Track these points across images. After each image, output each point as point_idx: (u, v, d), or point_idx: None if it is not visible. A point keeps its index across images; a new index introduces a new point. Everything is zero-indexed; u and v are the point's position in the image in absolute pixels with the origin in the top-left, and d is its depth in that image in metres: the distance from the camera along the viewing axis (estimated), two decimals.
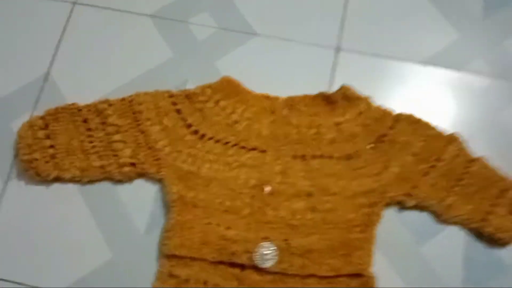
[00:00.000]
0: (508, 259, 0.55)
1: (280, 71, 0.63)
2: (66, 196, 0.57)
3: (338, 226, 0.54)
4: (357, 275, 0.52)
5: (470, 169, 0.57)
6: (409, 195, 0.55)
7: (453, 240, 0.56)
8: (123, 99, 0.59)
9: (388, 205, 0.56)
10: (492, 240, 0.55)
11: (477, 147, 0.58)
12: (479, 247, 0.56)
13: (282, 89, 0.60)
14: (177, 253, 0.53)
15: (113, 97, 0.59)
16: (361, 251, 0.53)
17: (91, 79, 0.63)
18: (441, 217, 0.56)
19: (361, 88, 0.59)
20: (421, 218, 0.56)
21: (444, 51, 0.64)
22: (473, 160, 0.57)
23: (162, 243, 0.54)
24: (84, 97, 0.60)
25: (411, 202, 0.55)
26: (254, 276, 0.53)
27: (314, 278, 0.53)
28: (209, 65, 0.63)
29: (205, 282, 0.52)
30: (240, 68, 0.63)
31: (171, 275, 0.52)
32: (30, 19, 0.66)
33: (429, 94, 0.62)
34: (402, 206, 0.56)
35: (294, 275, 0.53)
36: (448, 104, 0.62)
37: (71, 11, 0.66)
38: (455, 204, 0.56)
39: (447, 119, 0.60)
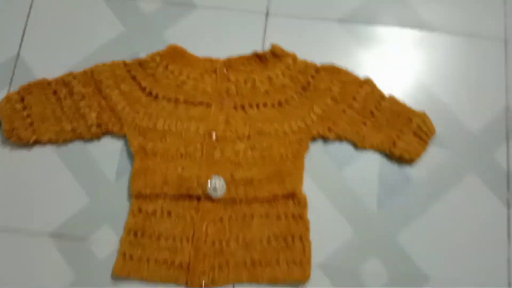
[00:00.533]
0: (414, 174, 0.67)
1: (218, 36, 0.73)
2: (45, 156, 0.67)
3: (273, 159, 0.65)
4: (291, 196, 0.64)
5: (381, 105, 0.68)
6: (330, 130, 0.67)
7: (369, 163, 0.68)
8: (85, 71, 0.68)
9: (313, 139, 0.67)
10: (401, 160, 0.67)
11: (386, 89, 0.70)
12: (391, 167, 0.68)
13: (221, 52, 0.70)
14: (143, 192, 0.63)
15: (76, 70, 0.68)
16: (293, 176, 0.65)
17: (55, 56, 0.71)
18: (358, 146, 0.68)
19: (288, 46, 0.70)
20: (342, 148, 0.68)
21: (359, 8, 0.75)
22: (383, 98, 0.69)
23: (131, 185, 0.64)
24: (51, 73, 0.69)
25: (332, 136, 0.67)
26: (209, 205, 0.64)
27: (257, 201, 0.64)
28: (157, 36, 0.72)
29: (168, 213, 0.64)
30: (184, 36, 0.72)
31: (140, 211, 0.64)
32: None
33: (346, 47, 0.73)
34: (325, 139, 0.68)
35: (240, 201, 0.64)
36: (363, 55, 0.73)
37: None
38: (368, 135, 0.67)
39: (362, 68, 0.72)
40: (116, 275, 0.62)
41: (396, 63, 0.73)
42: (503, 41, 0.73)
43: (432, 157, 0.68)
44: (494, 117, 0.70)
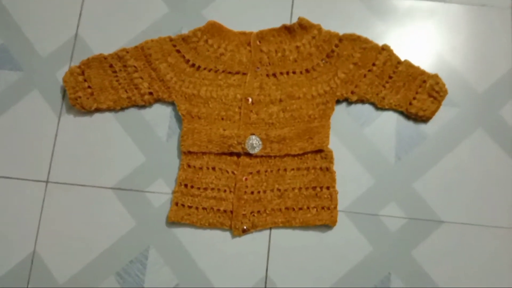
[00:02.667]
0: (428, 130, 0.75)
1: (251, 11, 0.80)
2: (106, 122, 0.77)
3: (303, 119, 0.74)
4: (319, 151, 0.73)
5: (398, 69, 0.75)
6: (352, 92, 0.75)
7: (388, 121, 0.76)
8: (136, 47, 0.76)
9: (338, 101, 0.76)
10: (417, 118, 0.75)
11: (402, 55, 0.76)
12: (408, 124, 0.75)
13: (254, 26, 0.78)
14: (191, 149, 0.73)
15: (128, 46, 0.77)
16: (320, 134, 0.73)
17: (110, 34, 0.79)
18: (378, 106, 0.76)
19: (313, 18, 0.77)
20: (363, 108, 0.76)
21: None
22: (400, 62, 0.76)
23: (180, 144, 0.73)
24: (107, 49, 0.77)
25: (354, 97, 0.75)
26: (247, 160, 0.73)
27: (289, 156, 0.73)
28: (197, 14, 0.80)
29: (213, 168, 0.73)
30: (221, 13, 0.80)
31: (189, 166, 0.73)
32: None
33: (365, 19, 0.80)
34: (348, 100, 0.76)
35: (275, 156, 0.73)
36: (380, 26, 0.80)
37: None
38: (387, 96, 0.75)
39: (380, 36, 0.79)
40: (171, 221, 0.72)
41: (411, 31, 0.79)
42: (509, 9, 0.80)
43: (443, 114, 0.76)
44: (500, 78, 0.77)
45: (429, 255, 0.71)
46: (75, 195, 0.74)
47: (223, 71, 0.76)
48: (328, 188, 0.72)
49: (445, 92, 0.75)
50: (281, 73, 0.76)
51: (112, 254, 0.72)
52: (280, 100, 0.75)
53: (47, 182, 0.75)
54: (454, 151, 0.75)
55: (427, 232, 0.72)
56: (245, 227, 0.72)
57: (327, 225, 0.72)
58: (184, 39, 0.77)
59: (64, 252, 0.73)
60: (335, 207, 0.72)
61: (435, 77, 0.75)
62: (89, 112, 0.77)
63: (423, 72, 0.75)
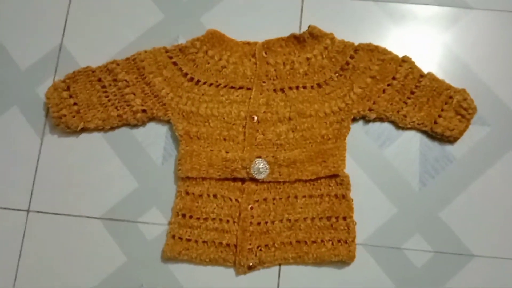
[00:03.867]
0: (456, 152, 0.68)
1: (256, 20, 0.74)
2: (93, 143, 0.69)
3: (315, 140, 0.67)
4: (334, 176, 0.66)
5: (421, 83, 0.68)
6: (370, 110, 0.68)
7: (410, 142, 0.69)
8: (127, 59, 0.70)
9: (354, 119, 0.68)
10: (443, 138, 0.68)
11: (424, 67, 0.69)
12: (433, 145, 0.68)
13: (259, 35, 0.71)
14: (189, 175, 0.65)
15: (118, 58, 0.70)
16: (335, 157, 0.66)
17: (98, 45, 0.73)
18: (399, 125, 0.68)
19: (325, 26, 0.70)
20: (382, 127, 0.69)
21: None
22: (423, 76, 0.69)
23: (177, 169, 0.66)
24: (95, 61, 0.70)
25: (373, 115, 0.68)
26: (253, 186, 0.66)
27: (300, 182, 0.66)
28: (195, 21, 0.73)
29: (214, 195, 0.66)
30: (222, 20, 0.73)
31: (188, 193, 0.66)
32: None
33: (382, 26, 0.73)
34: (366, 119, 0.69)
35: (284, 182, 0.66)
36: (399, 34, 0.73)
37: None
38: (409, 113, 0.68)
39: (399, 46, 0.71)
40: (166, 256, 0.64)
41: (433, 41, 0.73)
42: None
43: (472, 134, 0.68)
44: None
45: None
46: (59, 226, 0.67)
47: (225, 86, 0.69)
48: (344, 218, 0.65)
49: (474, 109, 0.68)
50: (290, 88, 0.69)
51: None
52: (289, 119, 0.68)
53: (28, 211, 0.68)
54: (484, 176, 0.68)
55: (456, 268, 0.65)
56: (251, 264, 0.64)
57: (344, 261, 0.64)
58: (182, 49, 0.70)
59: None
60: (353, 240, 0.64)
61: (462, 92, 0.68)
62: (75, 132, 0.70)
63: (449, 87, 0.68)
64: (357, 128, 0.69)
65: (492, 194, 0.67)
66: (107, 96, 0.69)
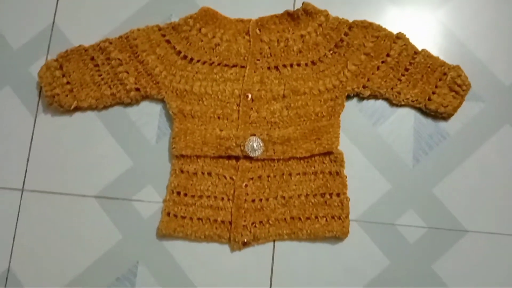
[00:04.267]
0: (450, 129, 0.68)
1: None
2: (87, 122, 0.69)
3: (309, 118, 0.67)
4: (328, 153, 0.66)
5: (414, 60, 0.68)
6: (364, 87, 0.67)
7: (404, 119, 0.68)
8: (120, 37, 0.69)
9: (348, 97, 0.68)
10: (437, 115, 0.68)
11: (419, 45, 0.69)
12: (427, 121, 0.68)
13: (253, 12, 0.70)
14: (183, 153, 0.65)
15: (111, 36, 0.69)
16: (329, 134, 0.65)
17: (90, 23, 0.72)
18: (393, 102, 0.68)
19: (319, 3, 0.69)
20: (376, 104, 0.69)
21: None
22: (417, 53, 0.68)
23: (171, 147, 0.66)
24: (87, 40, 0.70)
25: (367, 92, 0.68)
26: (247, 164, 0.66)
27: (294, 159, 0.66)
28: None
29: (209, 173, 0.66)
30: None
31: (182, 171, 0.66)
32: None
33: (377, 3, 0.72)
34: (360, 96, 0.68)
35: (278, 160, 0.66)
36: (394, 11, 0.72)
37: None
38: (403, 90, 0.68)
39: (394, 23, 0.71)
40: (162, 234, 0.64)
41: (427, 17, 0.72)
42: None
43: (466, 110, 0.68)
44: None
45: (451, 269, 0.64)
46: (53, 205, 0.67)
47: (218, 64, 0.69)
48: (338, 195, 0.65)
49: (468, 85, 0.67)
50: (284, 66, 0.69)
51: (96, 272, 0.65)
52: (284, 96, 0.67)
53: (22, 190, 0.68)
54: (478, 152, 0.68)
55: (449, 243, 0.65)
56: (245, 240, 0.64)
57: (338, 237, 0.64)
58: (175, 27, 0.69)
59: (42, 269, 0.66)
60: (347, 216, 0.64)
61: (456, 68, 0.68)
62: (68, 111, 0.69)
63: (443, 63, 0.68)
64: (351, 106, 0.69)
65: (485, 170, 0.67)
66: (100, 75, 0.68)
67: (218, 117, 0.67)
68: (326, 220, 0.64)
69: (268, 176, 0.66)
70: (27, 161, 0.68)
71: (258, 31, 0.70)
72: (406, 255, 0.64)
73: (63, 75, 0.68)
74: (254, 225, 0.65)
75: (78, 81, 0.68)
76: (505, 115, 0.68)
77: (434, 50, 0.69)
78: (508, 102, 0.69)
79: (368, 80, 0.67)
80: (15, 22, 0.73)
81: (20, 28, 0.72)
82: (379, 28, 0.69)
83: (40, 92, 0.70)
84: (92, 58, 0.69)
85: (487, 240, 0.65)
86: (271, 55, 0.69)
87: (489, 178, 0.67)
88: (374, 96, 0.68)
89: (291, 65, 0.68)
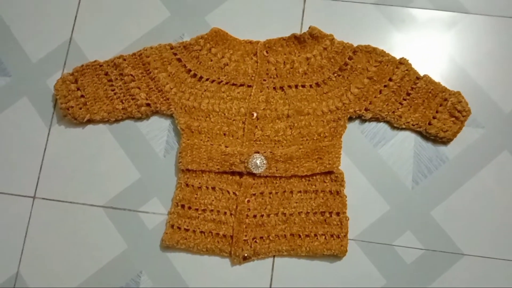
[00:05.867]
0: (449, 153, 0.70)
1: (259, 19, 0.75)
2: (99, 134, 0.72)
3: (312, 137, 0.69)
4: (329, 172, 0.67)
5: (416, 85, 0.70)
6: (366, 109, 0.69)
7: (405, 142, 0.70)
8: (134, 54, 0.72)
9: (350, 119, 0.70)
10: (437, 139, 0.69)
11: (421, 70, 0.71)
12: (427, 145, 0.70)
13: (261, 35, 0.73)
14: (189, 167, 0.67)
15: (125, 53, 0.72)
16: (331, 154, 0.67)
17: (106, 40, 0.75)
18: (394, 125, 0.70)
19: (325, 28, 0.72)
20: (378, 127, 0.71)
21: None
22: (418, 78, 0.70)
23: (178, 161, 0.68)
24: (103, 56, 0.73)
25: (369, 115, 0.70)
26: (250, 180, 0.68)
27: (296, 178, 0.68)
28: (201, 20, 0.75)
29: (213, 188, 0.68)
30: (226, 19, 0.75)
31: (187, 185, 0.68)
32: None
33: (381, 29, 0.74)
34: (362, 118, 0.70)
35: (280, 177, 0.68)
36: (398, 37, 0.74)
37: None
38: (404, 114, 0.69)
39: (397, 49, 0.73)
40: (165, 245, 0.66)
41: (430, 44, 0.74)
42: None
43: (466, 136, 0.70)
44: None
45: None
46: (63, 213, 0.69)
47: (226, 83, 0.71)
48: (338, 214, 0.66)
49: (468, 111, 0.69)
50: (289, 87, 0.71)
51: (100, 279, 0.67)
52: (288, 116, 0.69)
53: (34, 197, 0.70)
54: (477, 176, 0.69)
55: (446, 266, 0.66)
56: (246, 255, 0.66)
57: (336, 255, 0.66)
58: (186, 47, 0.72)
59: (49, 275, 0.68)
60: (346, 235, 0.66)
61: (457, 94, 0.69)
62: (81, 123, 0.72)
63: (444, 89, 0.70)
64: (353, 127, 0.71)
65: (483, 195, 0.68)
66: (113, 90, 0.71)
67: (224, 134, 0.69)
68: (325, 238, 0.66)
69: (270, 193, 0.68)
70: (40, 169, 0.71)
71: (265, 53, 0.72)
72: (403, 275, 0.66)
73: (78, 89, 0.71)
74: (254, 240, 0.66)
75: (91, 95, 0.71)
76: (504, 141, 0.70)
77: (436, 76, 0.71)
78: (507, 129, 0.70)
79: (370, 103, 0.69)
80: (35, 36, 0.76)
81: (39, 42, 0.75)
82: (382, 53, 0.71)
83: (55, 104, 0.73)
84: (106, 73, 0.71)
85: (483, 264, 0.66)
86: (277, 76, 0.71)
87: (487, 203, 0.68)
88: (375, 119, 0.70)
89: (296, 86, 0.71)
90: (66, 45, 0.75)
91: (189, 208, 0.67)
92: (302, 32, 0.73)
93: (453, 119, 0.69)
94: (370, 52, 0.71)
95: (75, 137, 0.72)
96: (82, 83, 0.71)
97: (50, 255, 0.68)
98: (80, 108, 0.71)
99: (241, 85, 0.71)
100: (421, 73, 0.70)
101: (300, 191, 0.68)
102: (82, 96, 0.71)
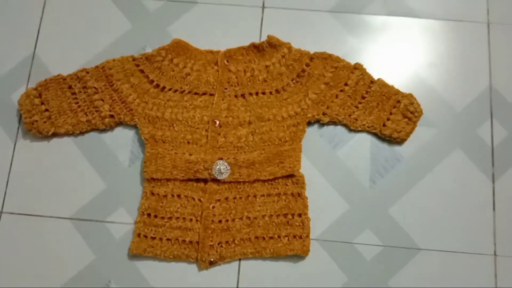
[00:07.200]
0: (404, 152, 0.73)
1: (219, 29, 0.77)
2: (64, 147, 0.72)
3: (273, 142, 0.71)
4: (290, 176, 0.70)
5: (371, 89, 0.73)
6: (324, 114, 0.72)
7: (362, 143, 0.73)
8: (97, 67, 0.73)
9: (309, 123, 0.73)
10: (391, 140, 0.72)
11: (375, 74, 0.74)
12: (382, 146, 0.73)
13: (222, 44, 0.75)
14: (154, 176, 0.69)
15: (88, 66, 0.73)
16: (291, 158, 0.70)
17: (69, 54, 0.76)
18: (351, 127, 0.73)
19: (283, 36, 0.74)
20: (335, 130, 0.73)
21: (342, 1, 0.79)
22: (373, 82, 0.73)
23: (143, 171, 0.69)
24: (66, 69, 0.74)
25: (326, 119, 0.72)
26: (215, 186, 0.70)
27: (259, 182, 0.70)
28: (162, 31, 0.77)
29: (178, 195, 0.69)
30: (187, 31, 0.77)
31: (153, 194, 0.69)
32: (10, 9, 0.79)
33: (337, 36, 0.77)
34: (320, 122, 0.73)
35: (244, 182, 0.70)
36: (353, 43, 0.77)
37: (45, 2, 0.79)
38: (360, 117, 0.72)
39: (352, 54, 0.76)
40: (133, 254, 0.67)
41: (384, 49, 0.77)
42: (485, 25, 0.77)
43: (420, 135, 0.73)
44: (477, 96, 0.75)
45: (406, 284, 0.68)
46: (30, 226, 0.70)
47: (189, 92, 0.73)
48: (300, 215, 0.69)
49: (420, 112, 0.72)
50: (250, 94, 0.73)
51: None
52: (249, 122, 0.72)
53: (1, 212, 0.71)
54: (431, 174, 0.72)
55: (404, 261, 0.69)
56: (212, 259, 0.68)
57: (300, 255, 0.68)
58: (148, 58, 0.74)
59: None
60: (308, 236, 0.68)
61: (409, 96, 0.72)
62: (46, 137, 0.73)
63: (397, 92, 0.73)
64: (312, 131, 0.73)
65: (437, 191, 0.71)
66: (77, 103, 0.72)
67: (188, 142, 0.71)
68: (289, 239, 0.68)
69: (234, 198, 0.70)
70: (6, 184, 0.71)
71: (226, 62, 0.74)
72: (363, 271, 0.68)
73: (42, 103, 0.72)
74: (220, 245, 0.68)
75: (56, 109, 0.72)
76: (456, 139, 0.73)
77: (390, 79, 0.74)
78: (459, 127, 0.74)
79: (328, 107, 0.72)
80: None
81: (2, 57, 0.76)
82: (338, 59, 0.74)
83: (20, 118, 0.74)
84: (70, 87, 0.73)
85: (439, 257, 0.69)
86: (238, 84, 0.73)
87: (441, 199, 0.71)
88: (333, 123, 0.73)
89: (257, 93, 0.73)
90: (29, 60, 0.76)
91: (155, 216, 0.69)
92: (261, 41, 0.75)
93: (406, 120, 0.72)
94: (326, 58, 0.73)
95: (41, 151, 0.73)
96: (46, 97, 0.72)
97: (19, 268, 0.69)
98: (45, 122, 0.72)
99: (203, 94, 0.73)
100: (376, 77, 0.73)
101: (263, 195, 0.70)
102: (46, 110, 0.72)
